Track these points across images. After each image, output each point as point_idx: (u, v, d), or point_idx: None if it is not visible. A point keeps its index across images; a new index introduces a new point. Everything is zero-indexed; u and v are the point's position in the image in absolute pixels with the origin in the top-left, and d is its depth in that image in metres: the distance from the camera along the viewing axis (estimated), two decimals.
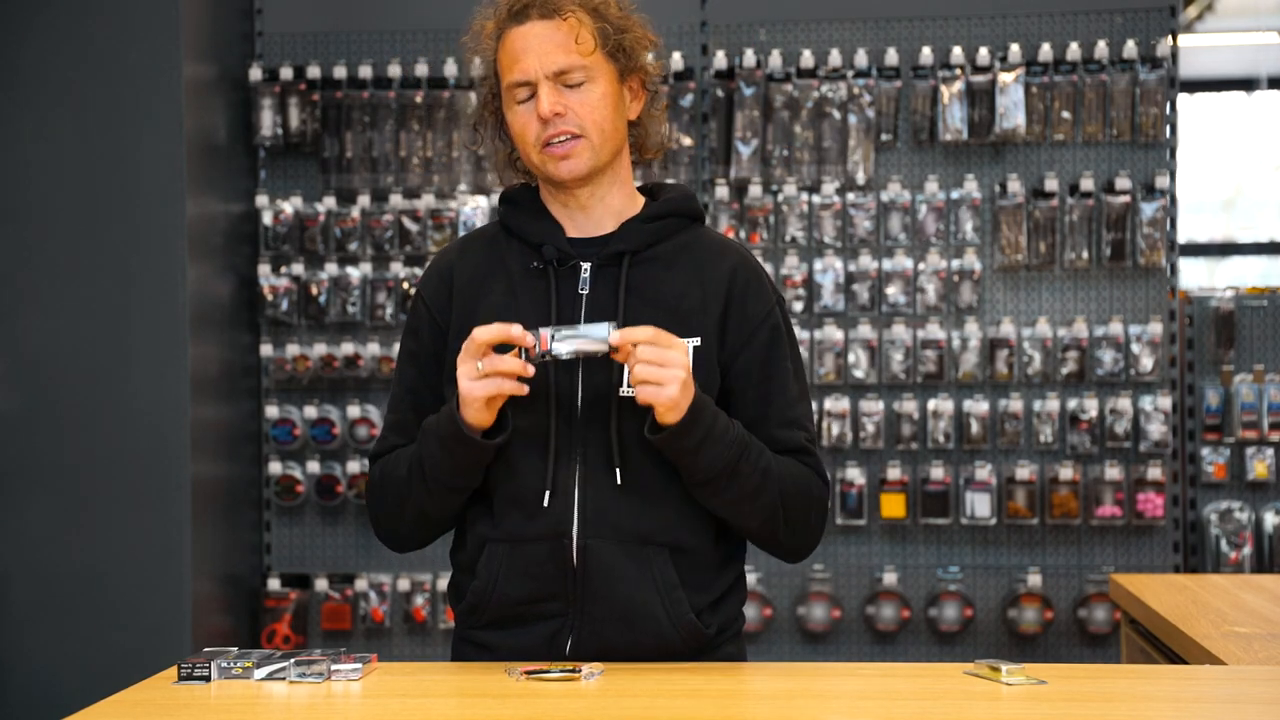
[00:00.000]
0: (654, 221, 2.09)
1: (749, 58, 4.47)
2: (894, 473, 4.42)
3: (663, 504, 2.01)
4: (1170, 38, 4.43)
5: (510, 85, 2.04)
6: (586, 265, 2.06)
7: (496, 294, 2.07)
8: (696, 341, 2.03)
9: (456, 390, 1.95)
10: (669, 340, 1.92)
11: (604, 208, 2.09)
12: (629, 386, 1.97)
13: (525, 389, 1.92)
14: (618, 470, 2.00)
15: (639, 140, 2.14)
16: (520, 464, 2.01)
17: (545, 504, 2.00)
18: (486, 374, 1.90)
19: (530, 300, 2.05)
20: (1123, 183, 4.38)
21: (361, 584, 4.54)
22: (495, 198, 4.35)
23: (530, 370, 1.91)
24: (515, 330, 1.91)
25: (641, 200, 2.13)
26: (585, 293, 2.05)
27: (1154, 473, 4.36)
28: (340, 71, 4.58)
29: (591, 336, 1.91)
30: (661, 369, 1.89)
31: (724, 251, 2.10)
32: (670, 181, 2.23)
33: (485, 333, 1.91)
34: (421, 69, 4.56)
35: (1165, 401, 4.36)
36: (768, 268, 4.44)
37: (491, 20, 2.07)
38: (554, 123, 2.01)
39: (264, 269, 4.55)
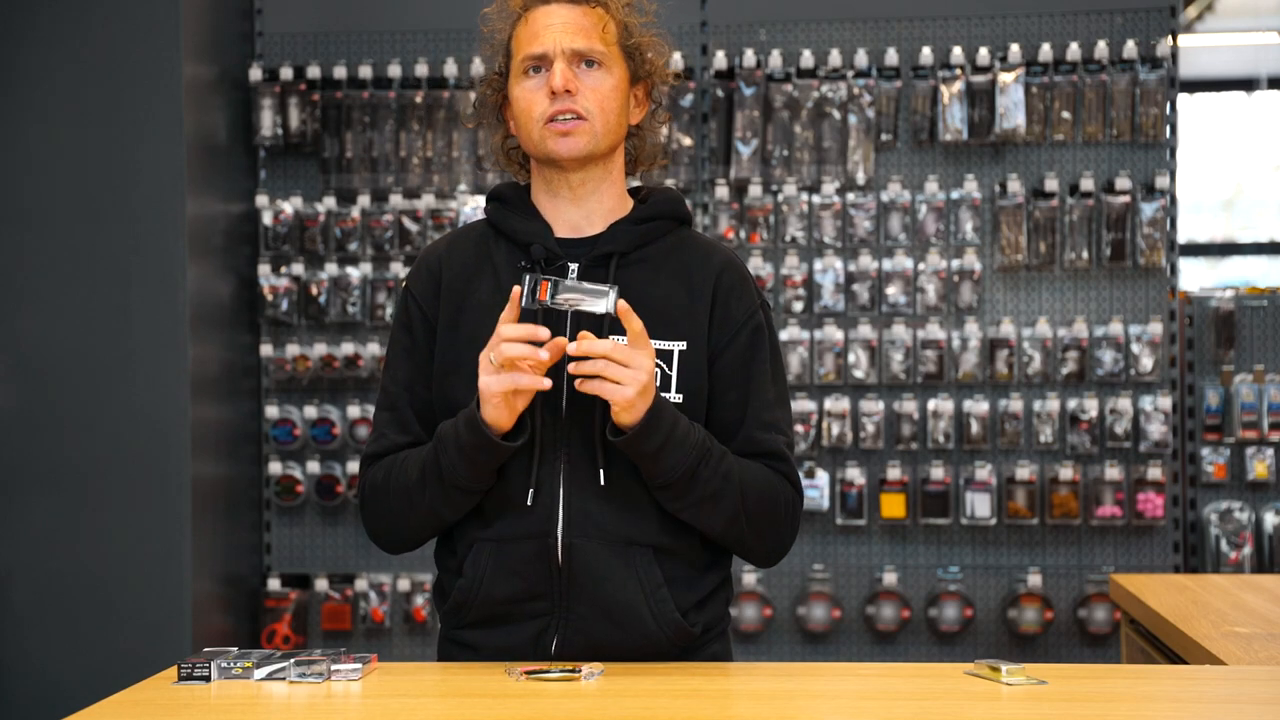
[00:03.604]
0: (642, 224, 2.08)
1: (749, 58, 4.47)
2: (894, 473, 4.42)
3: (647, 504, 2.01)
4: (1170, 38, 4.43)
5: (525, 58, 2.04)
6: (574, 266, 2.05)
7: (484, 292, 2.06)
8: (682, 345, 2.03)
9: (475, 391, 1.94)
10: (644, 341, 1.92)
11: (595, 200, 2.08)
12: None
13: (546, 383, 1.90)
14: (601, 471, 2.00)
15: (635, 149, 2.15)
16: (506, 464, 2.00)
17: (529, 503, 2.00)
18: (502, 367, 1.90)
19: None
20: (1123, 183, 4.38)
21: (361, 584, 4.54)
22: None
23: (545, 357, 1.89)
24: (543, 332, 1.90)
25: (631, 203, 2.13)
26: None
27: (1154, 473, 4.36)
28: (340, 71, 4.58)
29: (594, 297, 1.91)
30: (625, 369, 1.89)
31: (710, 254, 2.10)
32: (660, 185, 2.23)
33: (511, 331, 1.90)
34: (421, 69, 4.56)
35: (1165, 401, 4.36)
36: (767, 268, 4.44)
37: None
38: (563, 99, 2.01)
39: (264, 269, 4.55)
